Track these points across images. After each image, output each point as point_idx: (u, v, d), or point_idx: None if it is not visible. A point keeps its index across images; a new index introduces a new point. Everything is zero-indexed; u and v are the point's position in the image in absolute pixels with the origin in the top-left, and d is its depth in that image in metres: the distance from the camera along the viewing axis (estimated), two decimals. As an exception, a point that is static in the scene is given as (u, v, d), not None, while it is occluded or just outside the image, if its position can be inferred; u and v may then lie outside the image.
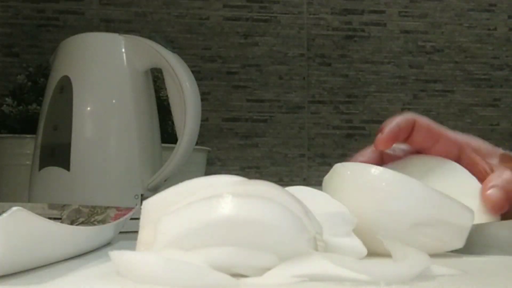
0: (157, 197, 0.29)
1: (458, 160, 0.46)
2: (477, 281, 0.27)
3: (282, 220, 0.25)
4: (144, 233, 0.28)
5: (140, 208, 0.30)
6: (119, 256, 0.24)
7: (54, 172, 0.65)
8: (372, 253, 0.31)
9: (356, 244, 0.29)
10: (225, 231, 0.24)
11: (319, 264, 0.24)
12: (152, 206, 0.29)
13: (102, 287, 0.24)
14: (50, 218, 0.34)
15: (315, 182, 1.64)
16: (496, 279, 0.27)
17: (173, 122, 0.69)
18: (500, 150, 0.49)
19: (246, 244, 0.24)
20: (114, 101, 0.67)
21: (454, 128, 0.50)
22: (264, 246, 0.24)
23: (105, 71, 0.68)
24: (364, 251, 0.29)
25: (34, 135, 0.70)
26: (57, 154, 0.65)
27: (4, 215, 0.26)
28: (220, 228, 0.24)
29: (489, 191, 0.40)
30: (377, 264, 0.26)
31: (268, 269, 0.24)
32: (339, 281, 0.24)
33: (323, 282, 0.24)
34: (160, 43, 0.68)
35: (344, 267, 0.24)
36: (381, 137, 0.45)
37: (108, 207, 0.50)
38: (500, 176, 0.42)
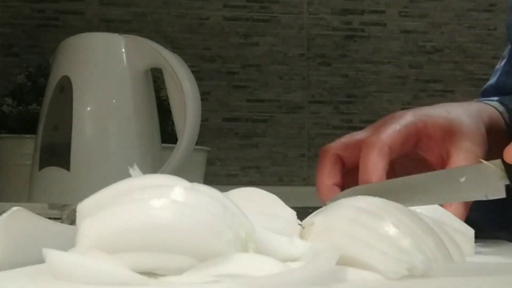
0: (92, 198, 0.29)
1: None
2: (388, 286, 0.26)
3: (195, 223, 0.25)
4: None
5: None
6: (46, 253, 0.25)
7: (54, 172, 0.65)
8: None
9: (295, 246, 0.29)
10: (142, 236, 0.25)
11: (230, 265, 0.25)
12: (87, 207, 0.29)
13: (24, 283, 0.25)
14: (50, 218, 0.34)
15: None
16: (412, 284, 0.26)
17: (173, 122, 0.69)
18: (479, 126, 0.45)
19: (165, 248, 0.25)
20: (114, 101, 0.67)
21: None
22: (182, 249, 0.25)
23: (105, 71, 0.68)
24: (301, 254, 0.29)
25: (34, 135, 0.70)
26: (57, 154, 0.65)
27: (4, 215, 0.26)
28: (137, 232, 0.25)
29: (452, 209, 0.39)
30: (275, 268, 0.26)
31: None
32: (251, 280, 0.24)
33: (236, 282, 0.24)
34: (160, 43, 0.68)
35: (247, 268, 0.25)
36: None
37: (108, 207, 0.50)
38: None
